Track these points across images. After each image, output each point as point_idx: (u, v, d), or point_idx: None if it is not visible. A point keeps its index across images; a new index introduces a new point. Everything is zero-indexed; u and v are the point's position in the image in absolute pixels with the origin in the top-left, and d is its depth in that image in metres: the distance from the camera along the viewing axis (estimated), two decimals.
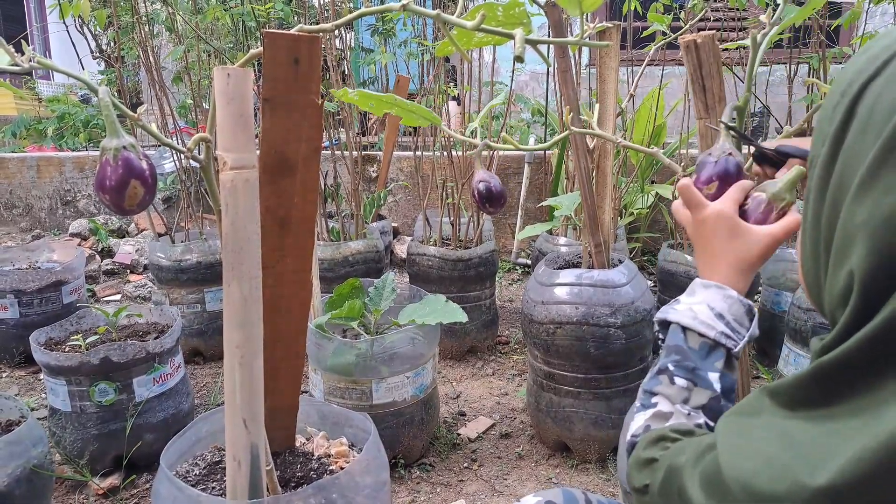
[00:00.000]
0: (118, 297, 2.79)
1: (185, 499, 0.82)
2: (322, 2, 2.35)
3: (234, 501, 0.76)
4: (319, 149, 0.81)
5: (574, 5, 0.72)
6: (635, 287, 1.50)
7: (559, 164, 2.97)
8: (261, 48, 0.72)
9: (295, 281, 0.88)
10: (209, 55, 2.74)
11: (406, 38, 2.79)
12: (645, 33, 1.93)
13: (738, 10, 2.41)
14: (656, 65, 2.62)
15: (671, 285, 2.22)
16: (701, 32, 0.88)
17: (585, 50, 2.88)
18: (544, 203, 2.05)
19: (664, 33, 1.79)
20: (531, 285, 1.60)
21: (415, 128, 2.98)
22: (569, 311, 1.47)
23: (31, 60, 0.63)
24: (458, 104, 2.65)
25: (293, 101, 0.76)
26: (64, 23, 1.98)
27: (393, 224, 3.46)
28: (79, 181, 3.90)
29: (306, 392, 1.65)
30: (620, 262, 1.57)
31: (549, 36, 0.95)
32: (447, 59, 2.81)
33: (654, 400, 0.64)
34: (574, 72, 1.54)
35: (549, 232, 2.54)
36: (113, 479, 1.46)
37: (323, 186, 2.32)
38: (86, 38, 2.45)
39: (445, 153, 2.17)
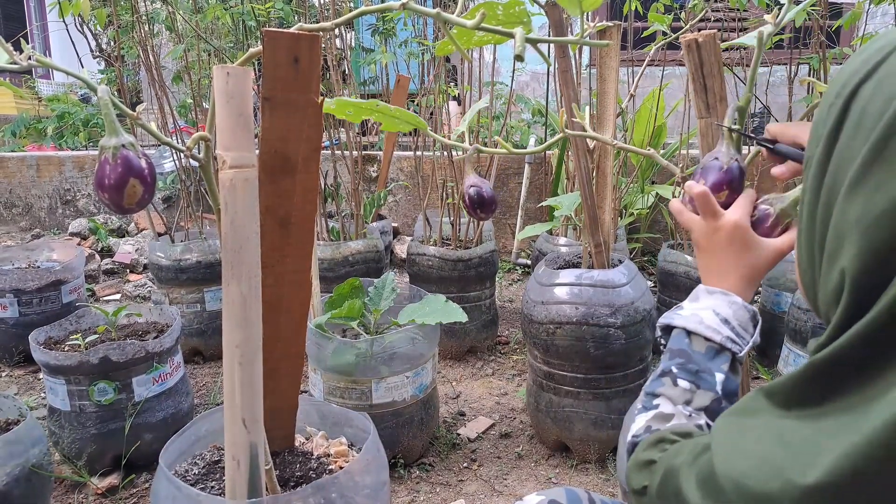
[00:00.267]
0: (118, 296, 2.79)
1: (185, 498, 0.81)
2: (322, 1, 2.35)
3: (233, 501, 0.75)
4: (319, 148, 0.81)
5: (574, 4, 0.71)
6: (635, 287, 1.50)
7: (559, 165, 2.97)
8: (261, 47, 0.71)
9: (294, 280, 0.87)
10: (209, 54, 2.74)
11: (406, 38, 2.79)
12: (645, 33, 1.93)
13: (738, 10, 2.41)
14: (657, 65, 2.62)
15: (671, 285, 2.22)
16: (702, 32, 0.88)
17: (586, 50, 2.88)
18: (544, 203, 2.05)
19: (665, 33, 1.79)
20: (531, 285, 1.60)
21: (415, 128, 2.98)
22: (569, 311, 1.47)
23: (30, 59, 0.62)
24: (459, 104, 2.65)
25: (293, 101, 0.76)
26: (64, 21, 1.98)
27: (393, 224, 3.45)
28: (78, 180, 3.90)
29: (306, 392, 1.65)
30: (620, 262, 1.57)
31: (549, 36, 0.94)
32: (448, 59, 2.81)
33: (655, 402, 0.64)
34: (574, 72, 1.54)
35: (550, 232, 2.53)
36: (112, 479, 1.46)
37: (323, 186, 2.32)
38: (86, 37, 2.45)
39: (446, 153, 2.17)
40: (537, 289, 1.56)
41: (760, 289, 2.22)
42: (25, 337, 1.54)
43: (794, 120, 2.44)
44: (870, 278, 0.38)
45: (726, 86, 0.92)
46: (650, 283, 2.59)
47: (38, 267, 2.34)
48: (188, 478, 0.95)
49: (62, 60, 0.76)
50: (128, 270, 3.16)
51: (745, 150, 0.76)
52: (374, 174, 3.53)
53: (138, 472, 1.51)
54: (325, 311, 1.49)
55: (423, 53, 2.49)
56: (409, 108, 3.21)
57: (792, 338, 1.70)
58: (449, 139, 0.97)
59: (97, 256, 3.21)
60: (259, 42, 0.76)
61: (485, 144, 2.40)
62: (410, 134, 3.65)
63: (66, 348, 1.52)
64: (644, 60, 1.96)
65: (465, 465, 1.57)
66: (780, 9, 0.76)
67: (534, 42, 0.63)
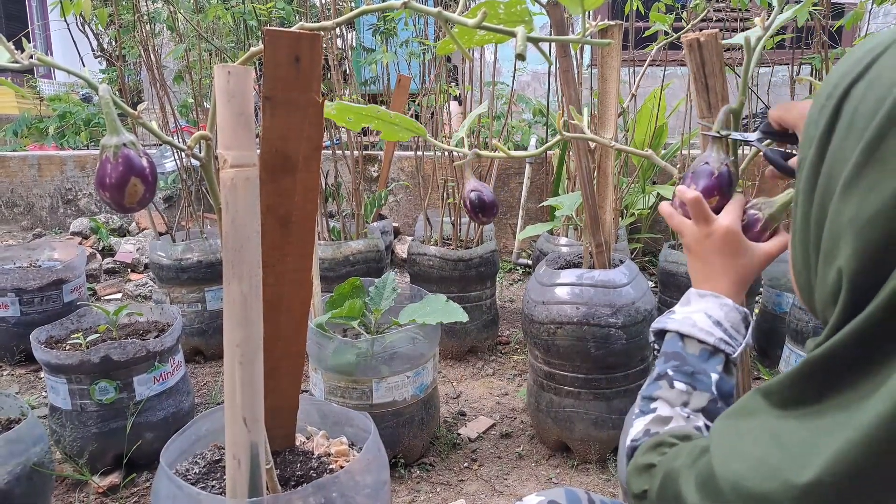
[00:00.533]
0: (119, 295, 2.79)
1: (185, 497, 0.81)
2: (323, 1, 2.35)
3: (233, 500, 0.75)
4: (320, 147, 0.81)
5: (576, 3, 0.71)
6: (636, 287, 1.50)
7: (560, 165, 2.97)
8: (262, 46, 0.71)
9: (295, 280, 0.87)
10: (210, 54, 2.74)
11: (408, 38, 2.79)
12: (647, 33, 1.93)
13: (740, 10, 2.41)
14: (658, 65, 2.62)
15: (672, 286, 2.21)
16: (704, 31, 0.87)
17: (587, 50, 2.87)
18: (545, 203, 2.05)
19: (666, 33, 1.79)
20: (532, 285, 1.60)
21: None
22: (569, 311, 1.47)
23: (31, 58, 0.62)
24: (460, 104, 2.64)
25: (294, 100, 0.76)
26: (65, 21, 1.98)
27: (394, 224, 3.45)
28: (80, 180, 3.91)
29: (306, 391, 1.65)
30: (621, 262, 1.57)
31: (550, 35, 0.94)
32: (448, 59, 2.81)
33: (653, 405, 0.64)
34: (576, 71, 1.53)
35: (550, 232, 2.53)
36: (113, 478, 1.46)
37: (324, 186, 2.32)
38: (87, 36, 2.45)
39: (446, 153, 2.17)
40: (538, 289, 1.56)
41: (761, 289, 2.22)
42: (27, 336, 1.55)
43: None
44: (866, 278, 0.38)
45: (728, 86, 0.92)
46: (651, 284, 2.58)
47: (40, 266, 2.34)
48: (189, 477, 0.95)
49: (64, 60, 0.76)
50: (129, 270, 3.16)
51: (744, 150, 0.76)
52: (374, 174, 3.53)
53: (139, 471, 1.51)
54: (326, 311, 1.49)
55: (424, 53, 2.49)
56: (410, 108, 3.20)
57: (793, 338, 1.69)
58: (449, 143, 0.96)
59: (98, 256, 3.21)
60: (260, 41, 0.76)
61: (485, 145, 2.40)
62: None
63: (68, 347, 1.52)
64: (645, 60, 1.96)
65: (465, 464, 1.57)
66: (770, 12, 0.76)
67: (535, 41, 0.63)
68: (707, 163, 0.71)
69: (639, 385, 1.52)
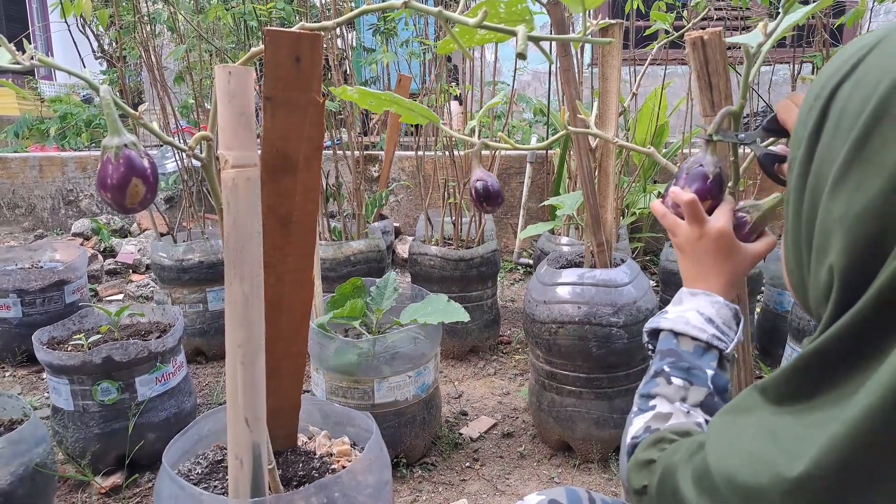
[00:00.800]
0: (120, 296, 2.79)
1: (188, 497, 0.81)
2: (323, 1, 2.35)
3: (236, 500, 0.76)
4: (321, 148, 0.81)
5: (576, 2, 0.71)
6: (637, 286, 1.50)
7: (561, 164, 2.96)
8: (262, 46, 0.71)
9: (295, 280, 0.87)
10: (211, 55, 2.74)
11: (408, 38, 2.79)
12: (647, 32, 1.93)
13: (741, 8, 2.41)
14: (659, 64, 2.62)
15: (673, 285, 2.21)
16: (707, 29, 0.87)
17: (588, 49, 2.87)
18: (546, 202, 2.05)
19: (667, 32, 1.79)
20: (533, 285, 1.60)
21: (416, 127, 2.98)
22: (571, 310, 1.47)
23: (32, 59, 0.62)
24: (460, 104, 2.64)
25: (295, 100, 0.76)
26: (66, 22, 1.98)
27: (395, 224, 3.46)
28: (81, 181, 3.91)
29: (308, 391, 1.65)
30: (623, 261, 1.57)
31: (551, 34, 0.94)
32: (449, 59, 2.81)
33: (652, 402, 0.65)
34: (576, 71, 1.53)
35: (552, 231, 2.53)
36: (115, 478, 1.46)
37: (325, 186, 2.32)
38: (88, 37, 2.45)
39: (447, 153, 2.17)
40: (539, 288, 1.55)
41: (763, 288, 2.22)
42: (29, 337, 1.55)
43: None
44: (856, 274, 0.38)
45: (731, 83, 0.92)
46: (652, 283, 2.58)
47: (42, 267, 2.35)
48: (191, 477, 0.95)
49: (64, 61, 0.76)
50: (130, 271, 3.16)
51: (744, 150, 0.76)
52: (375, 174, 3.53)
53: (141, 472, 1.51)
54: (328, 311, 1.49)
55: (424, 53, 2.49)
56: None
57: (795, 337, 1.69)
58: (453, 140, 0.97)
59: (100, 257, 3.21)
60: (260, 42, 0.76)
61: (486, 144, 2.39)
62: (412, 134, 3.65)
63: (70, 348, 1.52)
64: (646, 59, 1.96)
65: (467, 464, 1.57)
66: (774, 17, 0.76)
67: (536, 40, 0.63)
68: (701, 165, 0.72)
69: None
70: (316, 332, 1.43)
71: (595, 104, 1.38)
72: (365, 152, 2.66)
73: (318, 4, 2.62)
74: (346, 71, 2.34)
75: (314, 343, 1.44)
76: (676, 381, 0.64)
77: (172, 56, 2.30)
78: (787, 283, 0.51)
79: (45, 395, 1.92)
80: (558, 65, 1.38)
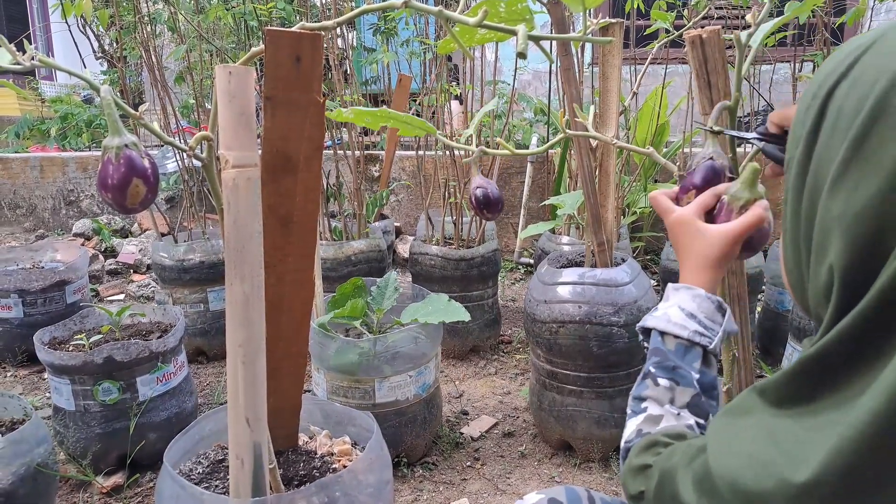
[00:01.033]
0: (121, 296, 2.80)
1: (189, 497, 0.82)
2: (324, 1, 2.35)
3: (237, 500, 0.76)
4: (321, 147, 0.81)
5: (577, 1, 0.71)
6: (638, 286, 1.50)
7: (562, 164, 2.96)
8: (263, 46, 0.71)
9: (296, 280, 0.88)
10: (211, 55, 2.74)
11: (408, 38, 2.79)
12: (648, 31, 1.93)
13: (741, 7, 2.40)
14: (659, 63, 2.62)
15: None
16: (706, 28, 0.87)
17: (588, 48, 2.87)
18: (547, 202, 2.05)
19: (667, 31, 1.79)
20: (534, 284, 1.60)
21: None
22: (572, 310, 1.47)
23: (33, 59, 0.63)
24: (461, 103, 2.64)
25: (295, 100, 0.76)
26: (66, 22, 1.99)
27: (395, 223, 3.45)
28: (82, 181, 3.91)
29: (309, 391, 1.65)
30: (623, 261, 1.57)
31: (551, 33, 0.94)
32: (449, 58, 2.81)
33: (643, 405, 0.64)
34: (577, 70, 1.53)
35: (552, 231, 2.53)
36: (117, 478, 1.46)
37: (325, 186, 2.32)
38: (88, 38, 2.46)
39: (448, 153, 2.17)
40: (540, 288, 1.55)
41: (764, 287, 2.22)
42: (30, 337, 1.55)
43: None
44: (857, 274, 0.38)
45: (730, 82, 0.91)
46: (653, 282, 2.58)
47: (43, 267, 2.35)
48: (192, 477, 0.95)
49: (65, 62, 0.76)
50: (131, 271, 3.17)
51: (745, 148, 0.76)
52: (376, 174, 3.53)
53: (143, 472, 1.51)
54: (329, 311, 1.49)
55: (424, 53, 2.48)
56: (411, 108, 3.20)
57: (795, 336, 1.69)
58: (455, 141, 0.98)
59: (101, 257, 3.22)
60: (261, 42, 0.76)
61: (487, 144, 2.40)
62: None
63: (71, 348, 1.53)
64: (647, 58, 1.96)
65: (468, 464, 1.57)
66: (774, 15, 0.76)
67: (536, 39, 0.63)
68: (701, 158, 0.73)
69: None
70: (317, 332, 1.43)
71: (593, 107, 1.38)
72: (365, 152, 2.66)
73: (318, 4, 2.62)
74: (346, 71, 2.34)
75: (315, 343, 1.44)
76: (662, 381, 0.63)
77: (173, 56, 2.31)
78: (785, 283, 0.51)
79: (47, 395, 1.93)
80: (559, 64, 1.38)
